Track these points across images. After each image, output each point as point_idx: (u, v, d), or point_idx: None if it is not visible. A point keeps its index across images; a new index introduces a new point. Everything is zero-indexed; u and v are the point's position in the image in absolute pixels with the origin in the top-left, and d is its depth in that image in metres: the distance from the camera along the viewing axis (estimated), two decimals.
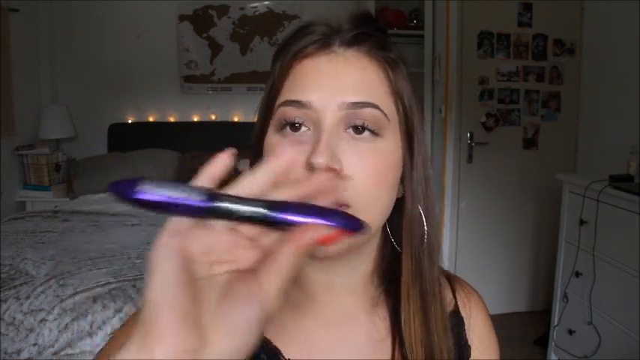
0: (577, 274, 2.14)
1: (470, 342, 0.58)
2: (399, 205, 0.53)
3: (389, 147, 0.49)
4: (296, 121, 0.48)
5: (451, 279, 0.62)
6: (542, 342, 2.51)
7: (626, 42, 2.37)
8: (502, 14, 2.78)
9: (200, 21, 3.51)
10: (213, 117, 3.65)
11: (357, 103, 0.47)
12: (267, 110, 0.52)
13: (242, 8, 3.53)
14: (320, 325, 0.53)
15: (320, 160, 0.44)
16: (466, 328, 0.58)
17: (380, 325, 0.55)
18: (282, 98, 0.50)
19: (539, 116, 2.87)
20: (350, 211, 0.46)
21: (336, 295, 0.54)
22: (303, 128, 0.48)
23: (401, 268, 0.54)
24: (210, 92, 3.62)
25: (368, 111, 0.48)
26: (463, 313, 0.59)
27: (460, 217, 2.93)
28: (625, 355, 1.86)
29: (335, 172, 0.45)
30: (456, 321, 0.58)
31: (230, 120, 3.65)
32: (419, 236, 0.53)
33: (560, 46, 2.82)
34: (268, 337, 0.52)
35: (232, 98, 3.63)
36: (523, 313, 2.99)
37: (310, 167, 0.45)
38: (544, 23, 2.79)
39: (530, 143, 2.89)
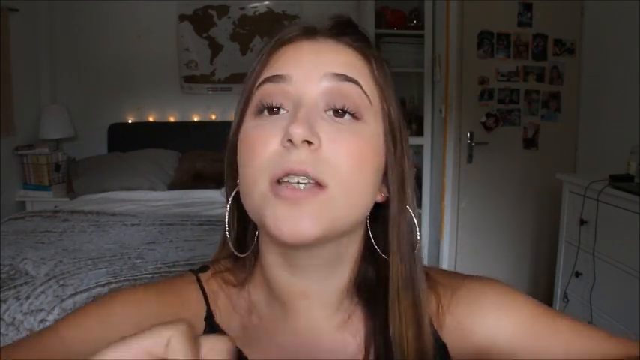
0: (577, 274, 2.14)
1: (444, 336, 0.53)
2: (383, 210, 0.51)
3: (370, 131, 0.47)
4: (274, 103, 0.46)
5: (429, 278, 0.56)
6: None
7: (626, 42, 2.37)
8: (502, 14, 2.78)
9: (200, 21, 3.51)
10: (213, 117, 3.64)
11: (339, 74, 0.46)
12: (245, 98, 0.50)
13: (242, 8, 3.53)
14: (290, 336, 0.51)
15: (297, 130, 0.41)
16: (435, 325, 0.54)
17: (349, 341, 0.52)
18: (260, 79, 0.48)
19: (539, 116, 2.86)
20: (328, 193, 0.43)
21: (309, 305, 0.51)
22: (282, 111, 0.46)
23: (382, 279, 0.51)
24: (210, 92, 3.61)
25: (349, 86, 0.46)
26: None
27: (460, 217, 2.93)
28: None
29: (312, 146, 0.43)
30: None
31: (230, 120, 3.62)
32: (409, 240, 0.50)
33: (560, 46, 2.81)
34: (239, 345, 0.49)
35: (232, 98, 3.59)
36: None
37: (287, 141, 0.42)
38: (544, 23, 2.79)
39: (530, 143, 2.89)
